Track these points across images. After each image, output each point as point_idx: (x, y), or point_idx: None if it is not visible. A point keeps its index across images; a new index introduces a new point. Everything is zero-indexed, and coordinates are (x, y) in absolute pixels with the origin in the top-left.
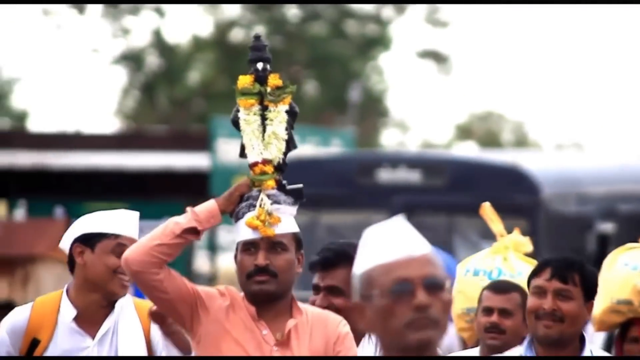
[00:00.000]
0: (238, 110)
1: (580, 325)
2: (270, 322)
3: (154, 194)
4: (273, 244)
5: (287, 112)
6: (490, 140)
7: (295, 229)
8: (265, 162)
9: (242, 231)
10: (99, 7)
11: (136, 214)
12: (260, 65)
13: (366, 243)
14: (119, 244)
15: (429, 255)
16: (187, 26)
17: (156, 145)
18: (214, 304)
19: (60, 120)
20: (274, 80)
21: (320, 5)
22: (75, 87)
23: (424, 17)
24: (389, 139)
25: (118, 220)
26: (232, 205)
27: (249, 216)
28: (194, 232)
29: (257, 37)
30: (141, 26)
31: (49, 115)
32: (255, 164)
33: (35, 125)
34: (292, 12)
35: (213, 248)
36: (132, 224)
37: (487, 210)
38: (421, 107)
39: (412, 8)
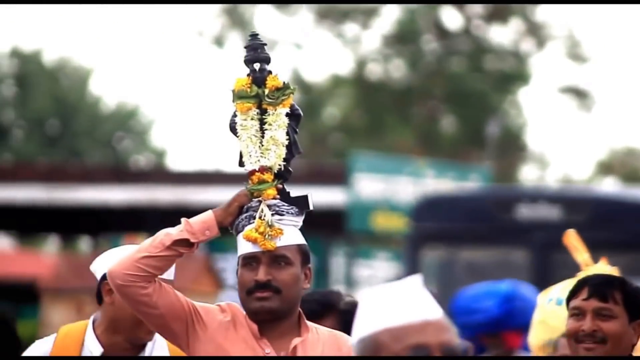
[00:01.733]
0: (235, 115)
1: (625, 346)
2: (274, 341)
3: None
4: (275, 258)
5: (288, 115)
6: (632, 177)
7: (300, 240)
8: (264, 169)
9: (242, 245)
10: (238, 42)
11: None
12: (257, 66)
13: (371, 303)
14: None
15: (444, 320)
16: (325, 62)
17: (294, 180)
18: (214, 320)
19: (200, 158)
20: (272, 81)
21: (458, 40)
22: (215, 124)
23: (564, 53)
24: (528, 175)
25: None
26: (231, 217)
27: (249, 229)
28: (186, 244)
29: (254, 35)
30: (279, 62)
31: (188, 153)
32: (252, 173)
33: (174, 162)
34: (431, 46)
35: (350, 282)
36: None
37: (571, 238)
38: (561, 143)
39: (552, 43)
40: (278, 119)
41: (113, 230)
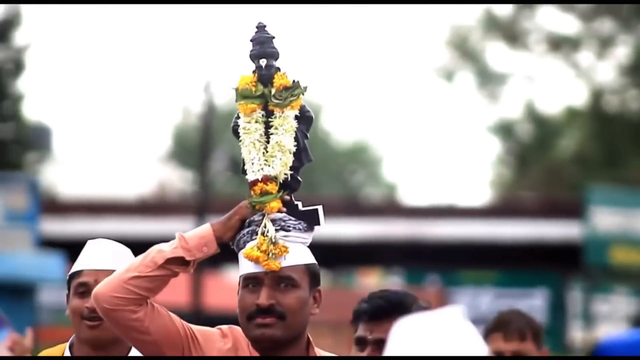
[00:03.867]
0: (239, 117)
1: None
2: None
3: (524, 263)
4: (279, 279)
5: (297, 117)
6: None
7: (308, 259)
8: (267, 179)
9: (243, 264)
10: (469, 76)
11: (113, 243)
12: (263, 62)
13: (406, 336)
14: (80, 283)
15: None
16: (559, 94)
17: (527, 214)
18: (213, 347)
19: (433, 192)
20: (280, 79)
21: None
22: (447, 159)
23: None
24: None
25: (85, 253)
26: (231, 232)
27: (250, 246)
28: (181, 262)
29: (261, 27)
30: (512, 95)
31: (420, 187)
32: (255, 183)
33: (406, 196)
34: None
35: (588, 318)
36: (100, 253)
37: None
38: None
39: None
40: (285, 122)
41: (347, 264)
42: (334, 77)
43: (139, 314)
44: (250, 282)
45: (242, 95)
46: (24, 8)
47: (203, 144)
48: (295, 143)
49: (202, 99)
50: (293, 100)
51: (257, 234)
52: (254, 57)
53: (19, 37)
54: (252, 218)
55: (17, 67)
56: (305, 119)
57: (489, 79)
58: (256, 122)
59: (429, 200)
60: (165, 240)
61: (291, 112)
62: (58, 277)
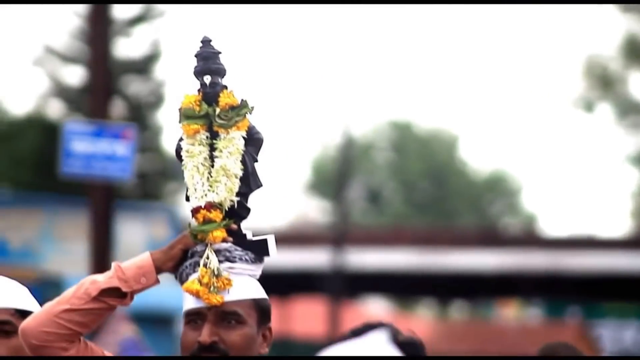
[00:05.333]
0: (182, 139)
1: None
2: None
3: None
4: (224, 315)
5: (245, 140)
6: None
7: (256, 294)
8: (211, 206)
9: (186, 299)
10: (608, 107)
11: (4, 280)
12: (207, 79)
13: None
14: None
15: None
16: None
17: None
18: None
19: (573, 223)
20: (226, 98)
21: None
22: (587, 190)
23: None
24: None
25: None
26: (172, 262)
27: (192, 279)
28: (118, 294)
29: (206, 42)
30: None
31: (560, 218)
32: (197, 210)
33: (546, 227)
34: None
35: None
36: None
37: None
38: None
39: None
40: (230, 144)
41: (485, 295)
42: (472, 107)
43: (70, 351)
44: (193, 318)
45: (185, 115)
46: (164, 43)
47: (341, 174)
48: (243, 167)
49: (341, 130)
50: (239, 120)
51: (199, 266)
52: (198, 73)
53: (159, 70)
54: (195, 248)
55: (157, 99)
56: (254, 141)
57: (629, 109)
58: (200, 144)
59: (569, 231)
60: (304, 271)
61: (237, 133)
62: None
